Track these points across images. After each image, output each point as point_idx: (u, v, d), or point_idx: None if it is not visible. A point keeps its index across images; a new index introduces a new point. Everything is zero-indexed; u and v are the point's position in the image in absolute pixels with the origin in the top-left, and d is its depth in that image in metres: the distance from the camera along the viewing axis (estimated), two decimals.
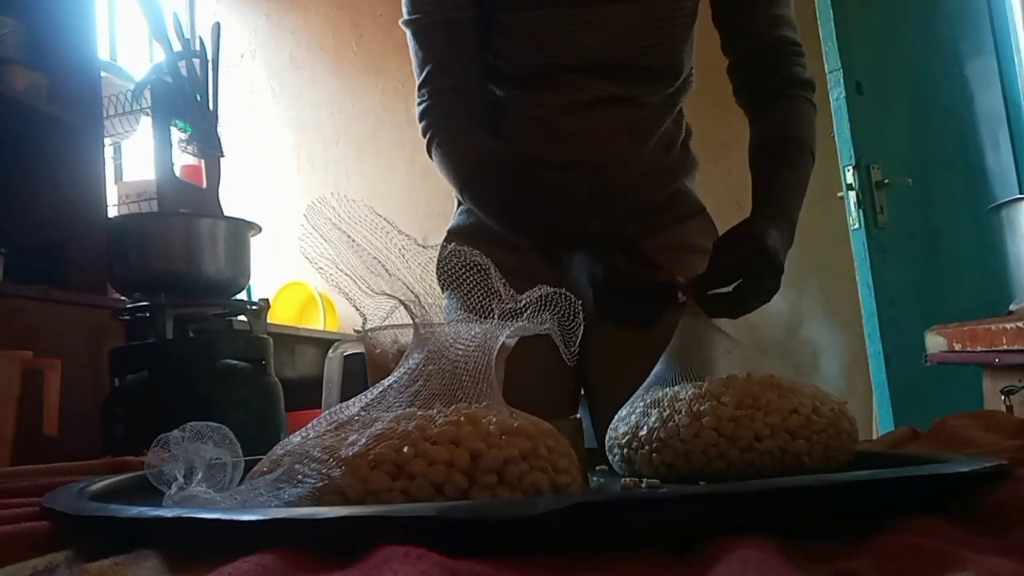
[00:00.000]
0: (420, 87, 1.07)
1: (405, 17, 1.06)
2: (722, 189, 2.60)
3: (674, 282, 0.79)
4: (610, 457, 0.72)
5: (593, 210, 1.08)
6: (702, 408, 0.65)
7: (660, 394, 0.70)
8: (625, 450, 0.69)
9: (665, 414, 0.67)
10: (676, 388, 0.70)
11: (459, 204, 1.20)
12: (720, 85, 1.12)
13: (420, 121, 1.07)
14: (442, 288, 0.59)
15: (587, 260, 0.85)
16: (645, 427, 0.68)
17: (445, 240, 1.15)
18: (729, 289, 0.82)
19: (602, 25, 1.02)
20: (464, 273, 0.58)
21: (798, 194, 0.98)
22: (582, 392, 1.19)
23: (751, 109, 1.09)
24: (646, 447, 0.67)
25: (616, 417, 0.73)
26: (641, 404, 0.71)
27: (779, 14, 1.06)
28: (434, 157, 1.07)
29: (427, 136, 1.06)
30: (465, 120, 1.05)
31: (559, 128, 1.07)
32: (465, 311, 0.58)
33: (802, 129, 1.03)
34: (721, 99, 1.15)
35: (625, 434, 0.70)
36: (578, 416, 1.17)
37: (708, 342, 0.75)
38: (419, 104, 1.07)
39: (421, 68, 1.06)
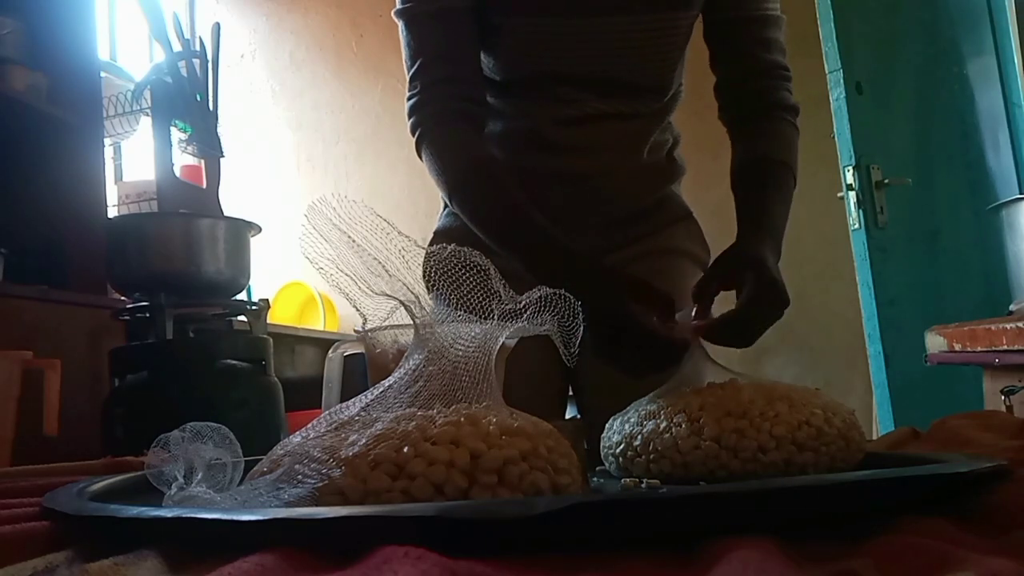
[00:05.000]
0: (411, 79, 1.00)
1: (398, 7, 1.01)
2: (722, 189, 2.60)
3: (683, 339, 0.76)
4: (606, 464, 0.72)
5: (580, 219, 1.07)
6: (702, 419, 0.64)
7: (655, 406, 0.69)
8: (620, 459, 0.68)
9: (662, 425, 0.66)
10: (673, 398, 0.69)
11: (445, 205, 1.18)
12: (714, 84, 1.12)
13: (409, 117, 1.00)
14: (429, 289, 0.58)
15: (592, 301, 0.81)
16: (639, 436, 0.67)
17: (432, 242, 1.14)
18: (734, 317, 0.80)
19: (600, 37, 1.00)
20: (463, 274, 0.58)
21: (784, 215, 0.97)
22: (570, 393, 1.19)
23: (735, 128, 1.07)
24: (642, 456, 0.66)
25: (607, 427, 0.72)
26: (635, 415, 0.70)
27: (771, 37, 1.05)
28: (423, 158, 1.00)
29: (416, 134, 0.99)
30: (458, 118, 0.98)
31: (548, 140, 1.06)
32: (455, 312, 0.57)
33: (785, 152, 1.02)
34: None
35: (619, 443, 0.69)
36: (578, 417, 1.17)
37: (709, 376, 0.74)
38: (408, 99, 1.00)
39: (412, 60, 0.99)
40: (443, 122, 0.98)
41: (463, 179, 0.97)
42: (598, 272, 0.84)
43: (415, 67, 1.00)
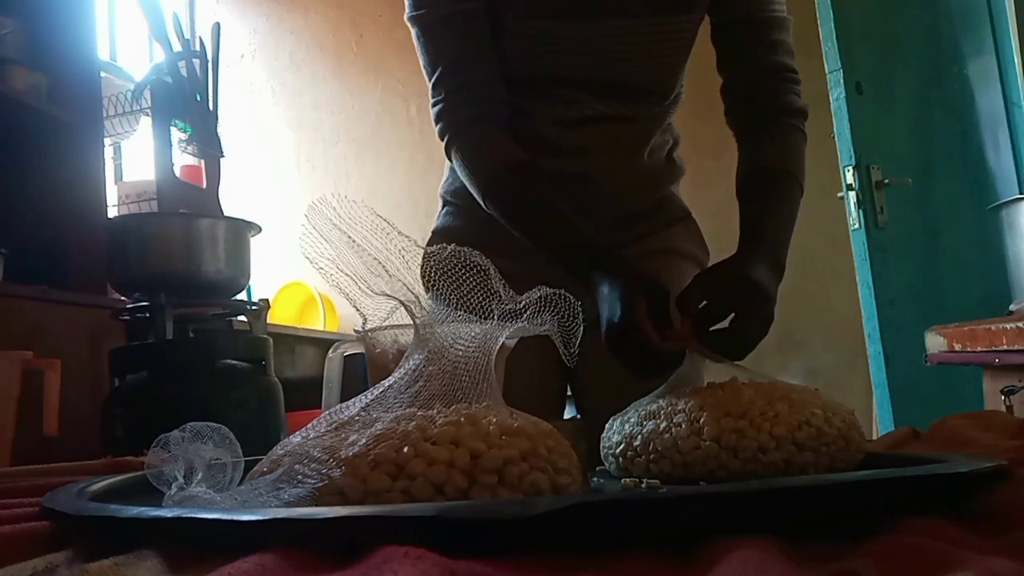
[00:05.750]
0: (434, 87, 1.02)
1: (409, 13, 1.01)
2: (722, 189, 2.61)
3: (682, 347, 0.76)
4: (606, 464, 0.72)
5: (580, 217, 1.08)
6: (702, 419, 0.64)
7: (655, 406, 0.69)
8: (620, 459, 0.68)
9: (662, 425, 0.66)
10: (674, 398, 0.69)
11: (444, 204, 1.18)
12: (719, 86, 1.12)
13: (436, 123, 1.02)
14: (427, 289, 0.58)
15: (611, 294, 0.81)
16: (639, 437, 0.67)
17: (430, 241, 1.14)
18: (725, 324, 0.80)
19: (602, 41, 1.00)
20: (463, 274, 0.58)
21: (787, 229, 0.97)
22: (570, 393, 1.19)
23: (741, 133, 1.07)
24: (642, 456, 0.66)
25: (607, 427, 0.73)
26: (635, 415, 0.70)
27: (779, 39, 1.04)
28: (453, 161, 1.03)
29: (444, 139, 1.02)
30: (483, 121, 1.01)
31: (548, 141, 1.06)
32: (455, 312, 0.57)
33: (792, 161, 1.02)
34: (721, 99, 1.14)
35: (619, 443, 0.69)
36: (578, 417, 1.17)
37: (708, 370, 0.74)
38: (433, 105, 1.02)
39: (432, 67, 1.01)
40: (469, 127, 1.00)
41: (494, 182, 0.99)
42: (623, 269, 0.85)
43: (436, 74, 1.01)
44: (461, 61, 1.00)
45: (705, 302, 0.80)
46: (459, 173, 1.03)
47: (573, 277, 0.89)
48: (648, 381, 0.78)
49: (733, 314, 0.80)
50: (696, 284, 0.83)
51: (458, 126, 1.00)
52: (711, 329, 0.79)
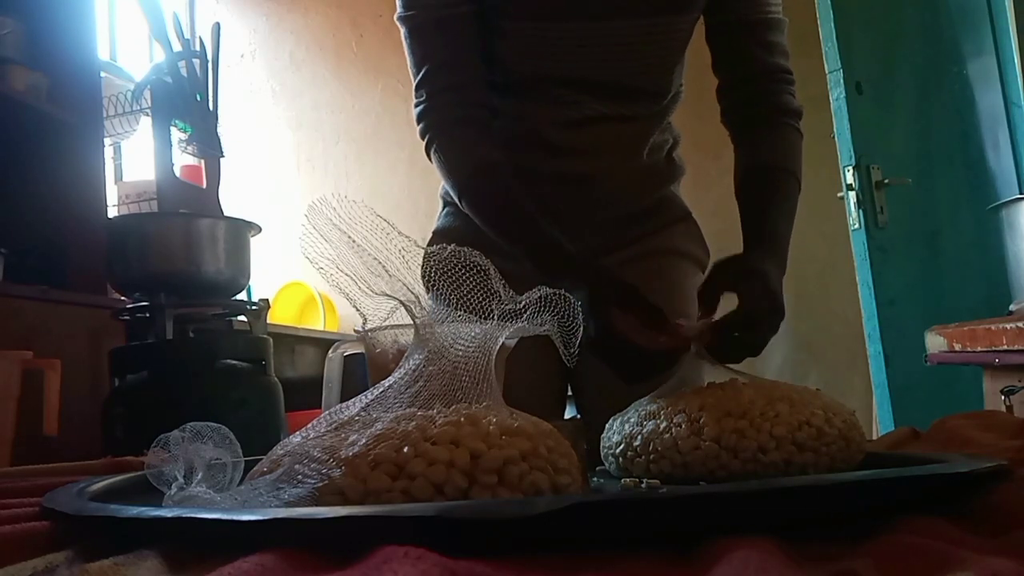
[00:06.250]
0: (417, 87, 1.03)
1: (400, 13, 1.03)
2: (722, 189, 2.61)
3: (676, 346, 0.76)
4: (606, 464, 0.72)
5: (580, 219, 1.08)
6: (702, 419, 0.64)
7: (655, 406, 0.69)
8: (620, 459, 0.69)
9: (662, 425, 0.66)
10: (674, 398, 0.69)
11: (444, 205, 1.19)
12: (716, 86, 1.12)
13: (418, 123, 1.04)
14: (428, 289, 0.58)
15: (582, 306, 0.82)
16: (639, 437, 0.67)
17: (431, 242, 1.15)
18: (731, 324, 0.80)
19: (600, 41, 1.01)
20: (463, 274, 0.58)
21: (788, 226, 0.98)
22: (570, 393, 1.19)
23: (738, 133, 1.08)
24: (642, 457, 0.66)
25: (607, 427, 0.73)
26: (635, 415, 0.70)
27: (774, 41, 1.05)
28: (433, 161, 1.04)
29: (425, 139, 1.03)
30: (463, 124, 1.02)
31: (548, 141, 1.06)
32: (455, 312, 0.57)
33: (790, 159, 1.03)
34: None
35: (619, 443, 0.69)
36: (578, 417, 1.17)
37: (708, 375, 0.74)
38: (416, 105, 1.04)
39: (418, 68, 1.03)
40: (449, 128, 1.02)
41: (469, 182, 1.01)
42: (590, 277, 0.85)
43: (421, 75, 1.02)
44: (447, 64, 1.01)
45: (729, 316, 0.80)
46: (438, 172, 1.04)
47: (543, 280, 0.88)
48: (641, 384, 0.78)
49: (745, 311, 0.80)
50: (715, 280, 0.83)
51: (439, 127, 1.02)
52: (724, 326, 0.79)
